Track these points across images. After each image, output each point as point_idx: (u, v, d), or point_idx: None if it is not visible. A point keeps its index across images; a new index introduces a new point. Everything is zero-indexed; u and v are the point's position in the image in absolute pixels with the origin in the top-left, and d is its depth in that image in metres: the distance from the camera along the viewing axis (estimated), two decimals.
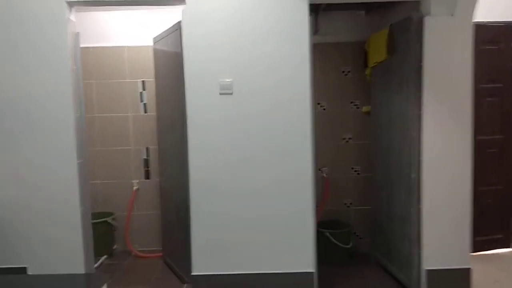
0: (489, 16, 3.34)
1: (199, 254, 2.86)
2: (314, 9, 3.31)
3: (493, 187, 3.50)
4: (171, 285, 3.11)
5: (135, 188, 3.83)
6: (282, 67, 2.76)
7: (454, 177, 2.81)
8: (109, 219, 3.71)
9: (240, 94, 2.78)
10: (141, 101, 3.82)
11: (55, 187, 2.79)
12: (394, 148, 3.08)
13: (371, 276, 3.23)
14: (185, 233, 2.95)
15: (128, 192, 3.85)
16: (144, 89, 3.81)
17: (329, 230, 3.40)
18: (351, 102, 3.68)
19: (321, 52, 3.56)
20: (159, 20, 3.65)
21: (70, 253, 2.82)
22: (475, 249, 3.34)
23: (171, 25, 3.09)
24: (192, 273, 2.87)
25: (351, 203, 3.74)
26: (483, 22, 3.28)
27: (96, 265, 3.38)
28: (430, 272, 2.83)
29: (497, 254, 3.54)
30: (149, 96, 3.79)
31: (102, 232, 3.65)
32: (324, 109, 3.67)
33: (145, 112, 3.82)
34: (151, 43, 3.59)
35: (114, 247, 3.85)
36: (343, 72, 3.65)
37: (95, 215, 3.65)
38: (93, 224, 3.21)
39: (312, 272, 2.82)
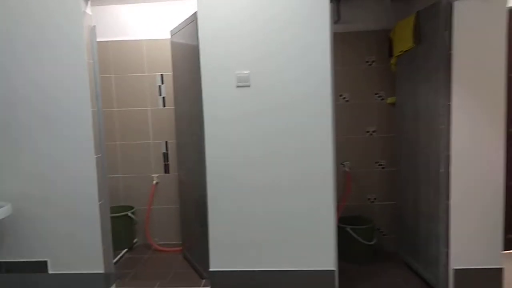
0: None
1: (217, 250, 2.82)
2: None
3: None
4: (190, 280, 3.09)
5: (154, 182, 3.83)
6: (302, 58, 2.66)
7: (485, 171, 2.66)
8: (129, 213, 3.72)
9: (257, 87, 2.70)
10: (160, 94, 3.79)
11: (73, 181, 2.81)
12: (421, 141, 2.95)
13: (395, 275, 3.11)
14: (203, 228, 2.91)
15: (148, 186, 3.85)
16: (162, 83, 3.78)
17: (351, 226, 3.30)
18: (375, 94, 3.54)
19: (343, 42, 3.44)
20: (177, 12, 3.61)
21: (89, 247, 2.85)
22: (507, 248, 3.18)
23: (187, 16, 3.03)
24: (210, 269, 2.83)
25: (375, 199, 3.61)
26: None
27: (116, 259, 3.39)
28: (458, 271, 2.70)
29: None
30: (168, 89, 3.76)
31: (123, 226, 3.68)
32: (346, 101, 3.54)
33: (164, 106, 3.79)
34: (169, 36, 3.55)
35: (135, 241, 3.86)
36: (367, 62, 3.50)
37: (116, 209, 3.69)
38: (114, 218, 3.24)
39: (333, 270, 2.74)
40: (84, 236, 2.84)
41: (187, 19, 3.03)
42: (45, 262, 2.87)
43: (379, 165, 3.59)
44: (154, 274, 3.24)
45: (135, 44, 3.75)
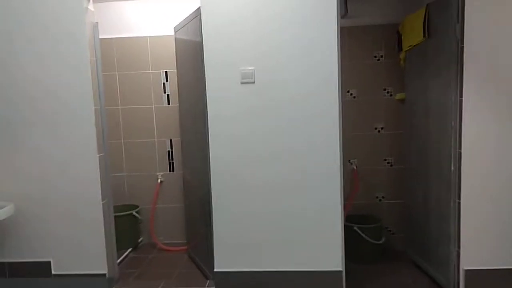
0: None
1: (222, 250, 2.77)
2: None
3: None
4: (195, 280, 3.05)
5: (159, 180, 3.79)
6: (308, 54, 2.59)
7: (498, 170, 2.58)
8: (134, 212, 3.69)
9: (262, 83, 2.64)
10: (164, 92, 3.75)
11: (75, 181, 2.78)
12: (431, 138, 2.88)
13: (404, 275, 3.04)
14: (208, 227, 2.87)
15: (152, 185, 3.82)
16: (167, 80, 3.73)
17: (358, 225, 3.23)
18: (384, 89, 3.46)
19: (350, 37, 3.37)
20: (180, 8, 3.55)
21: (92, 247, 2.83)
22: None
23: (191, 12, 2.97)
24: (215, 270, 2.79)
25: (383, 197, 3.54)
26: None
27: (120, 258, 3.36)
28: (470, 272, 2.63)
29: None
30: (172, 87, 3.71)
31: (128, 225, 3.65)
32: (354, 97, 3.47)
33: (168, 103, 3.75)
34: (173, 32, 3.50)
35: (140, 240, 3.83)
36: (375, 57, 3.43)
37: (121, 208, 3.66)
38: (119, 217, 3.21)
39: (340, 271, 2.68)
40: (87, 236, 2.81)
41: (190, 15, 2.98)
42: (49, 262, 2.85)
43: (388, 162, 3.52)
44: (159, 273, 3.20)
45: (139, 41, 3.70)
